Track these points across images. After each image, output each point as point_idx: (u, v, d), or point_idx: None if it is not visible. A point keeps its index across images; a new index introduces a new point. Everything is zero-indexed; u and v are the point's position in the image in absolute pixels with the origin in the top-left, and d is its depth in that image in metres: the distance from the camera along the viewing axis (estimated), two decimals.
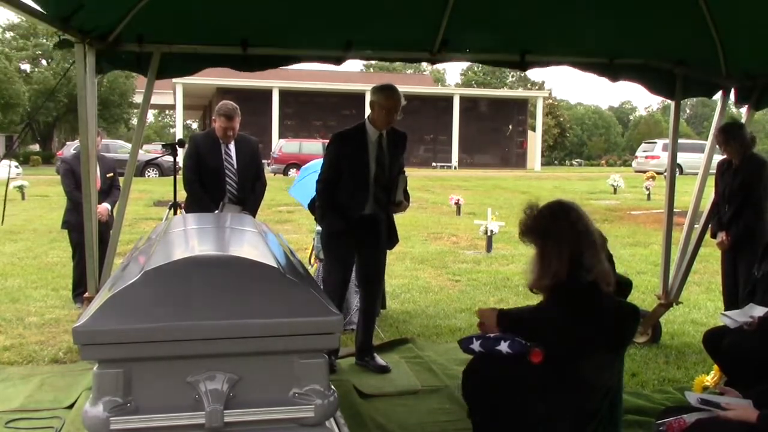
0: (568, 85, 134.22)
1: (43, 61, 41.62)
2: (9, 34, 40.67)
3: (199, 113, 48.84)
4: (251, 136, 5.61)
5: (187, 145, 5.43)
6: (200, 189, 5.16)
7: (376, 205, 4.52)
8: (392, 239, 4.71)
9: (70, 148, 9.00)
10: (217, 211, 5.00)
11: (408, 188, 4.67)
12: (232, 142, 5.25)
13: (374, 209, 4.53)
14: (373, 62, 58.18)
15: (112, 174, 6.60)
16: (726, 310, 4.49)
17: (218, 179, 5.18)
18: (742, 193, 5.14)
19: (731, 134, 5.14)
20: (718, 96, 5.45)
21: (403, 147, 4.65)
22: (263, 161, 5.86)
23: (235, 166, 5.24)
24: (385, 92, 4.43)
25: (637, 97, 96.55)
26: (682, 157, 14.78)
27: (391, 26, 4.68)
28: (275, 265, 2.36)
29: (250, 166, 5.34)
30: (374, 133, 4.49)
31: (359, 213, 4.48)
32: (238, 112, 5.24)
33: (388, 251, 4.81)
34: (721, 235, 5.28)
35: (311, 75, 34.67)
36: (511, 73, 67.67)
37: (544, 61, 5.16)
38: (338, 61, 4.88)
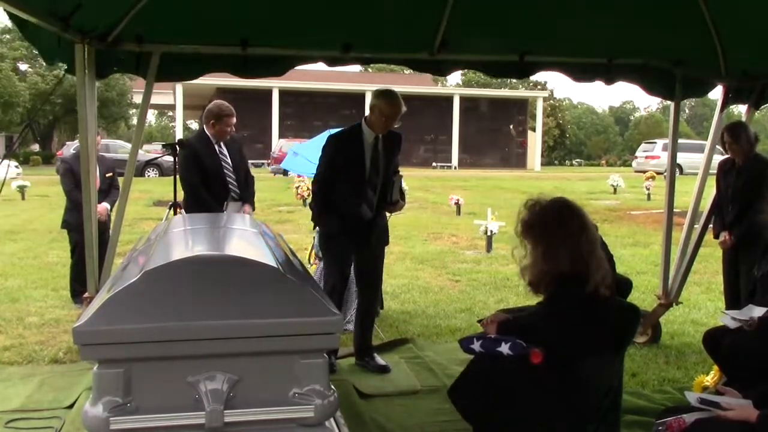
0: (569, 85, 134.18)
1: (41, 61, 41.56)
2: (7, 36, 40.61)
3: (199, 113, 48.82)
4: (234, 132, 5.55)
5: (183, 151, 5.31)
6: (206, 193, 5.11)
7: (370, 205, 4.52)
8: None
9: (70, 148, 8.99)
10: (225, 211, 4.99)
11: (406, 188, 4.68)
12: (222, 142, 5.22)
13: (368, 208, 4.53)
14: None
15: (111, 174, 6.60)
16: (727, 310, 4.49)
17: (221, 180, 5.16)
18: (746, 193, 5.14)
19: (737, 134, 5.14)
20: (718, 96, 5.45)
21: (399, 148, 4.66)
22: (263, 162, 5.87)
23: (231, 165, 5.24)
24: (388, 99, 4.39)
25: (638, 97, 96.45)
26: (682, 157, 14.78)
27: (390, 26, 4.68)
28: (275, 265, 2.36)
29: (242, 162, 5.35)
30: (370, 135, 4.47)
31: (356, 214, 4.48)
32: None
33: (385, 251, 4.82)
34: (724, 235, 5.28)
35: (311, 75, 34.65)
36: None
37: (543, 63, 5.15)
38: (336, 62, 4.87)
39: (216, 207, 5.02)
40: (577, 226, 2.92)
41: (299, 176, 16.54)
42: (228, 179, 5.21)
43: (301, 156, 6.83)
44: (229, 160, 5.23)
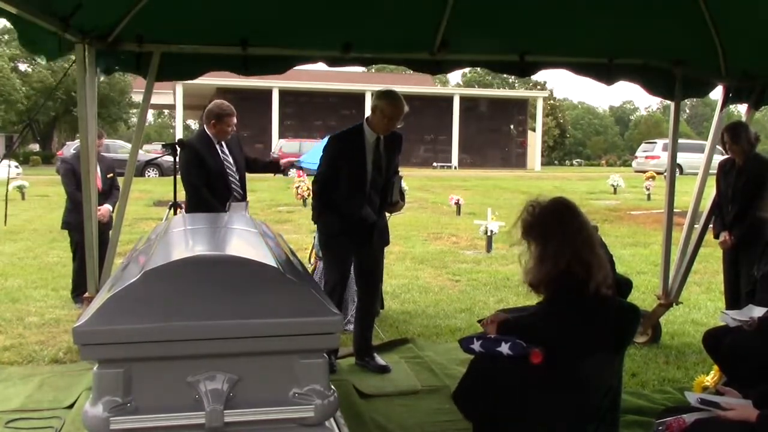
0: (569, 85, 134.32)
1: (42, 61, 41.54)
2: (6, 36, 40.61)
3: (199, 113, 48.83)
4: None
5: (185, 153, 5.26)
6: (208, 194, 5.08)
7: (372, 206, 4.52)
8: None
9: (71, 148, 9.01)
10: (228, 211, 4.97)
11: (406, 188, 4.67)
12: (223, 141, 5.20)
13: (371, 210, 4.53)
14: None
15: (111, 174, 6.60)
16: (727, 310, 4.49)
17: (224, 180, 5.12)
18: (746, 193, 5.14)
19: (737, 134, 5.14)
20: (718, 96, 5.46)
21: (399, 148, 4.65)
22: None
23: (234, 164, 5.21)
24: (390, 99, 4.38)
25: (639, 97, 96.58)
26: (682, 157, 14.75)
27: (390, 26, 4.68)
28: (275, 265, 2.36)
29: (243, 160, 5.32)
30: (372, 135, 4.47)
31: (357, 214, 4.48)
32: None
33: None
34: (724, 235, 5.28)
35: (311, 75, 34.71)
36: None
37: (543, 63, 5.15)
38: (336, 62, 4.87)
39: (219, 208, 4.98)
40: (577, 226, 2.93)
41: (299, 176, 16.55)
42: (231, 179, 5.19)
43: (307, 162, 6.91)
44: (232, 160, 5.21)
